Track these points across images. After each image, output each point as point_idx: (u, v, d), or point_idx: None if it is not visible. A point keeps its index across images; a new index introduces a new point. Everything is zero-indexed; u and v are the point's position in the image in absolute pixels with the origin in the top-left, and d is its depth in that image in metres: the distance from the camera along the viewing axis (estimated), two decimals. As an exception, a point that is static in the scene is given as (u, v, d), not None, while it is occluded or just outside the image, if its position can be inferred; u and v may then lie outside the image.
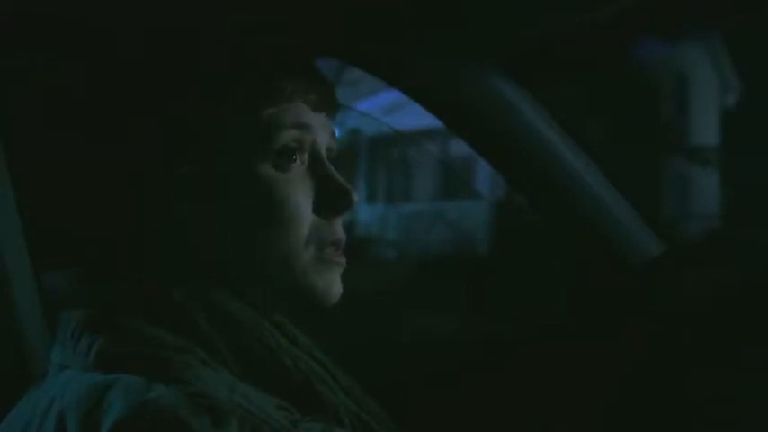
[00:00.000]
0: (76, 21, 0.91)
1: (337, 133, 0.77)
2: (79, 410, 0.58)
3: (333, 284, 0.71)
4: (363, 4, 1.01)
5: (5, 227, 1.00)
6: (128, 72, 0.69)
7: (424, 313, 2.38)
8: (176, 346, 0.62)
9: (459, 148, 1.44)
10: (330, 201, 0.71)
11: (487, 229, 4.25)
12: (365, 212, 4.98)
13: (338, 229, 0.72)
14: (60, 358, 0.65)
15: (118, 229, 0.67)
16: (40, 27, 0.92)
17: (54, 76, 0.96)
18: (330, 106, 0.74)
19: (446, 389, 1.35)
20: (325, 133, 0.73)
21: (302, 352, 0.68)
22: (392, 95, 1.38)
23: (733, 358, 1.19)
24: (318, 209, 0.71)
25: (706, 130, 4.81)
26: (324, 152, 0.73)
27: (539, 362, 1.33)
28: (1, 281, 0.99)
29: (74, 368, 0.63)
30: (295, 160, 0.70)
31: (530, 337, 1.42)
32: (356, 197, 0.72)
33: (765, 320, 1.18)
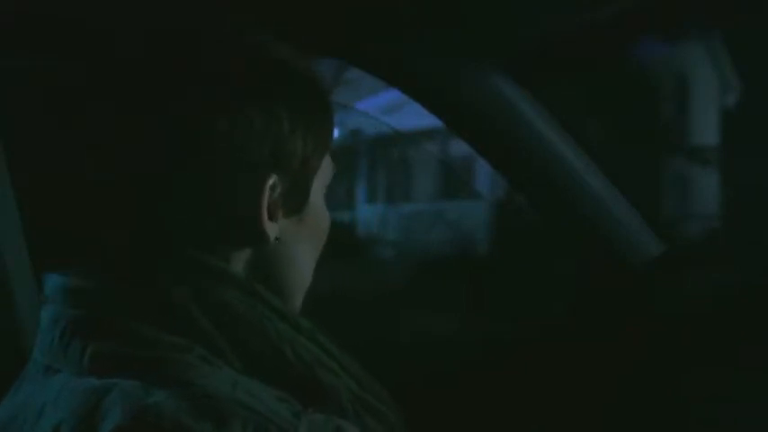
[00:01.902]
0: (76, 21, 0.91)
1: (337, 133, 0.77)
2: (75, 419, 0.56)
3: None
4: (363, 4, 1.01)
5: (5, 227, 1.00)
6: (128, 72, 0.69)
7: (424, 313, 2.38)
8: (174, 346, 0.60)
9: (460, 147, 1.44)
10: None
11: (487, 229, 4.26)
12: (365, 212, 4.98)
13: None
14: (48, 359, 0.63)
15: (114, 229, 0.66)
16: (40, 27, 0.92)
17: (54, 76, 0.96)
18: None
19: (446, 389, 1.35)
20: None
21: (304, 338, 0.67)
22: (392, 95, 1.38)
23: (733, 358, 1.19)
24: None
25: (706, 130, 4.82)
26: None
27: (539, 362, 1.33)
28: (1, 281, 0.99)
29: (66, 372, 0.61)
30: None
31: (530, 337, 1.42)
32: None
33: (765, 320, 1.18)
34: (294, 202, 0.68)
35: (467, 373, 1.38)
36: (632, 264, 1.35)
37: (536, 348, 1.37)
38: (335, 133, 0.76)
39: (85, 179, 0.68)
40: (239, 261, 0.67)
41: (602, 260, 1.37)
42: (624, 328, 1.30)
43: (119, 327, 0.61)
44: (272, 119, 0.65)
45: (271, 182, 0.65)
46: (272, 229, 0.66)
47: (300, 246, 0.71)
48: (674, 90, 4.81)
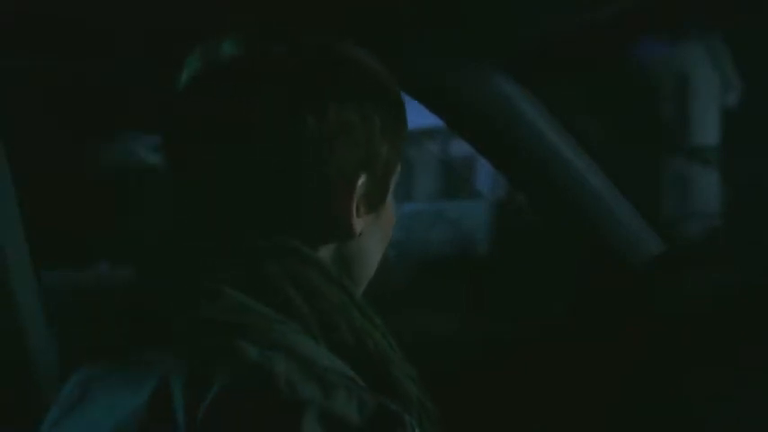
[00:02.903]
0: (76, 21, 0.91)
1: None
2: (186, 371, 0.57)
3: None
4: (363, 5, 1.01)
5: (6, 226, 1.00)
6: (128, 72, 0.69)
7: (424, 313, 2.38)
8: (274, 317, 0.62)
9: (460, 147, 1.44)
10: None
11: (488, 228, 4.26)
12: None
13: None
14: (146, 328, 0.64)
15: (226, 216, 0.68)
16: (40, 27, 0.92)
17: (54, 75, 0.96)
18: None
19: (446, 389, 1.35)
20: None
21: (380, 334, 0.70)
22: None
23: (733, 358, 1.19)
24: None
25: (706, 129, 4.81)
26: None
27: (539, 362, 1.33)
28: (1, 280, 0.99)
29: (176, 335, 0.62)
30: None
31: (530, 337, 1.42)
32: None
33: (765, 320, 1.18)
34: (375, 200, 0.73)
35: (467, 372, 1.38)
36: (632, 264, 1.35)
37: (536, 348, 1.37)
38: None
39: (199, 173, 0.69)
40: (325, 252, 0.71)
41: (602, 260, 1.37)
42: (624, 328, 1.30)
43: (225, 295, 0.63)
44: (367, 122, 0.70)
45: (361, 182, 0.70)
46: (358, 225, 0.71)
47: (374, 240, 0.76)
48: (675, 90, 4.81)
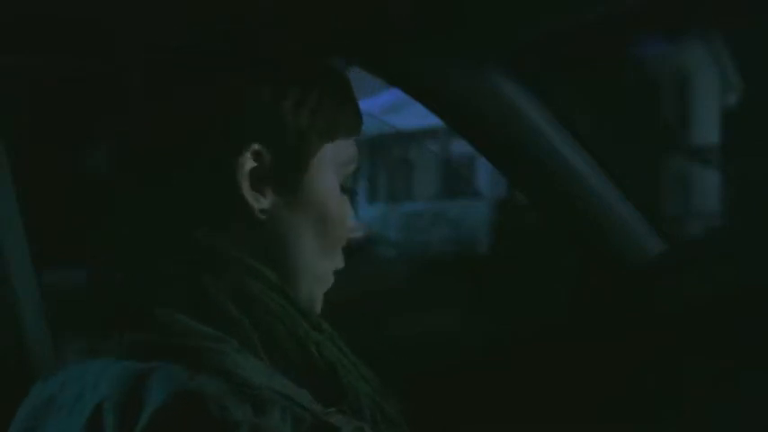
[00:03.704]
0: (76, 21, 0.91)
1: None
2: (118, 397, 0.56)
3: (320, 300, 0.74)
4: (363, 5, 1.01)
5: (6, 226, 1.00)
6: (128, 72, 0.69)
7: (424, 313, 2.38)
8: (210, 336, 0.61)
9: (460, 147, 1.44)
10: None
11: (488, 228, 4.26)
12: (366, 211, 4.99)
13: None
14: (88, 344, 0.64)
15: (148, 222, 0.67)
16: (40, 27, 0.92)
17: (55, 75, 0.97)
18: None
19: (445, 388, 1.36)
20: None
21: (326, 339, 0.68)
22: (393, 95, 1.38)
23: (733, 358, 1.19)
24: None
25: (706, 129, 4.81)
26: None
27: (538, 362, 1.33)
28: (2, 279, 1.00)
29: (107, 356, 0.61)
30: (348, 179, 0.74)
31: (529, 337, 1.42)
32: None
33: (765, 320, 1.19)
34: (287, 177, 0.68)
35: (468, 372, 1.38)
36: (632, 263, 1.35)
37: (536, 348, 1.37)
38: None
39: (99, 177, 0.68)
40: (237, 238, 0.67)
41: (602, 260, 1.37)
42: (624, 328, 1.30)
43: (157, 315, 0.62)
44: (260, 90, 0.66)
45: (253, 148, 0.65)
46: (255, 199, 0.66)
47: (297, 227, 0.70)
48: (675, 90, 4.81)
